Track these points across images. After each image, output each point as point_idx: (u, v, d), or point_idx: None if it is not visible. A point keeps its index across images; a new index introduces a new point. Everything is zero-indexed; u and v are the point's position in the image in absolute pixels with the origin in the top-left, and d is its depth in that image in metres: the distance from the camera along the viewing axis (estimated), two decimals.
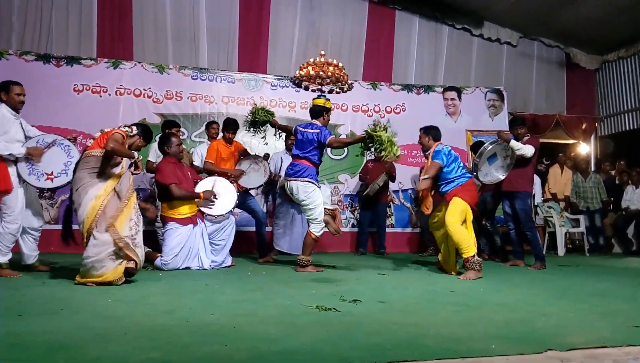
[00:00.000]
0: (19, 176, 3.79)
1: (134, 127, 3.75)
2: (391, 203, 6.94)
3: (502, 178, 4.77)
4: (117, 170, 3.57)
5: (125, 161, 3.64)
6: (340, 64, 5.19)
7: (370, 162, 6.46)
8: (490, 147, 4.62)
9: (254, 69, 7.00)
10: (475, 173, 4.70)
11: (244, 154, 5.31)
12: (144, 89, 6.28)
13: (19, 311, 2.43)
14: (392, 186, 6.67)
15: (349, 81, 5.36)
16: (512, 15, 7.68)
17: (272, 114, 4.96)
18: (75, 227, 3.63)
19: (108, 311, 2.53)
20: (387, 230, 6.68)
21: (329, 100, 4.71)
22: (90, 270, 3.36)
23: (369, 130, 4.13)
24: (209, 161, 5.04)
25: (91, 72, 6.18)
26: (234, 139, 5.28)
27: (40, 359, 1.70)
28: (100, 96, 6.16)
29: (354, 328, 2.18)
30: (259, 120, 4.89)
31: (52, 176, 3.91)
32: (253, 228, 5.53)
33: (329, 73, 5.04)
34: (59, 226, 5.74)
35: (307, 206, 4.34)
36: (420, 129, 4.64)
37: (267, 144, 5.85)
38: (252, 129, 5.03)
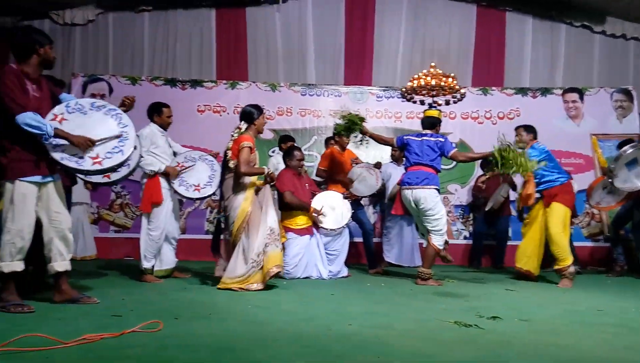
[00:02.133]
0: (170, 187, 4.20)
1: (242, 123, 3.87)
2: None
3: None
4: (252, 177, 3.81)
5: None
6: (452, 75, 5.07)
7: (481, 177, 6.16)
8: (631, 151, 4.20)
9: (360, 82, 7.07)
10: (610, 179, 4.37)
11: (356, 162, 5.35)
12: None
13: (174, 314, 2.64)
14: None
15: (461, 90, 5.21)
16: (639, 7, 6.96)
17: (363, 120, 4.73)
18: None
19: (250, 317, 2.66)
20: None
21: (441, 111, 4.62)
22: (233, 276, 3.60)
23: (496, 151, 3.97)
24: (321, 169, 5.17)
25: (212, 93, 6.67)
26: (347, 147, 5.29)
27: (209, 359, 1.83)
28: (220, 115, 6.61)
29: (504, 348, 2.07)
30: (349, 125, 4.69)
31: (200, 188, 4.30)
32: (360, 239, 5.56)
33: (441, 84, 4.95)
34: (186, 236, 6.35)
35: (433, 216, 4.21)
36: (520, 126, 4.64)
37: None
38: (342, 133, 4.88)
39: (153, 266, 4.17)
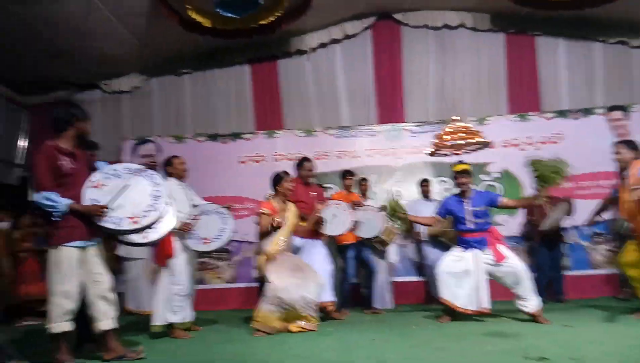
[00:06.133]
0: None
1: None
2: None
3: None
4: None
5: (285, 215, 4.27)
6: (471, 127, 5.16)
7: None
8: None
9: (393, 120, 7.12)
10: None
11: (357, 205, 5.31)
12: (296, 153, 6.78)
13: None
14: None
15: (486, 141, 5.21)
16: None
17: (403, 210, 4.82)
18: None
19: None
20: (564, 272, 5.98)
21: (468, 164, 4.60)
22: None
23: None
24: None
25: (251, 144, 6.93)
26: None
27: None
28: (260, 164, 6.84)
29: None
30: (392, 213, 4.84)
31: (208, 241, 4.27)
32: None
33: (465, 139, 5.00)
34: (236, 285, 6.51)
35: None
36: (620, 142, 4.32)
37: None
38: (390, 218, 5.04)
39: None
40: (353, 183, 5.71)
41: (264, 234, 4.26)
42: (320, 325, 4.14)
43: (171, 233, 4.02)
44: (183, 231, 4.13)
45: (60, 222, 2.93)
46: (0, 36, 5.81)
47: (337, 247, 5.32)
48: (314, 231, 4.66)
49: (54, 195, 2.91)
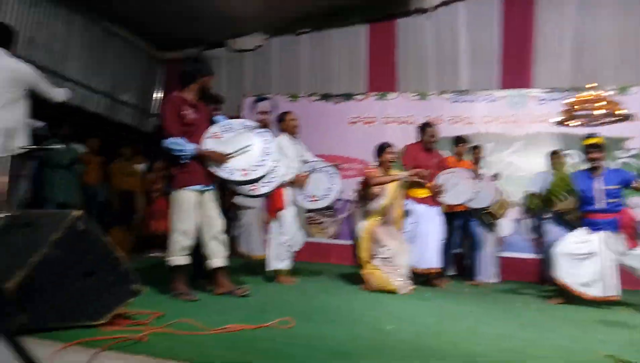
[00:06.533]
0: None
1: None
2: None
3: None
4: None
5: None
6: (610, 96, 4.50)
7: None
8: None
9: (518, 85, 6.55)
10: None
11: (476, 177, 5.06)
12: (407, 116, 6.63)
13: (308, 315, 2.84)
14: None
15: (626, 113, 4.54)
16: None
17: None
18: None
19: (379, 325, 2.70)
20: None
21: (601, 137, 4.08)
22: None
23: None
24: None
25: (362, 105, 6.92)
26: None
27: (323, 361, 1.94)
28: (370, 126, 6.81)
29: None
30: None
31: (316, 199, 4.42)
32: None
33: (601, 110, 4.40)
34: (338, 241, 6.69)
35: None
36: None
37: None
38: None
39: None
40: (465, 150, 5.44)
41: (367, 199, 4.29)
42: (420, 290, 4.12)
43: (282, 187, 4.22)
44: (295, 185, 4.29)
45: (182, 167, 3.21)
46: None
47: (444, 215, 5.17)
48: (433, 198, 4.59)
49: (181, 140, 3.18)
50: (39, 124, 3.57)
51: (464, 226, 5.36)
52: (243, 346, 2.04)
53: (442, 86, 6.89)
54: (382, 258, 4.08)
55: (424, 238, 4.52)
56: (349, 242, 6.53)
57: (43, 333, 1.93)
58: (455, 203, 4.79)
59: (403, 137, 6.54)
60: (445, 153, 6.12)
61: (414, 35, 7.14)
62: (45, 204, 5.26)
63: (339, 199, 5.33)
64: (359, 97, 6.99)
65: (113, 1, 6.68)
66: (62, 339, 1.89)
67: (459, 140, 5.48)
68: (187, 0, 6.53)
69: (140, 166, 6.68)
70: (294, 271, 4.43)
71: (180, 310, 2.66)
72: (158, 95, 8.53)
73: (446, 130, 6.47)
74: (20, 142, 3.23)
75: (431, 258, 4.48)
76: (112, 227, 5.93)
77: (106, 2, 6.70)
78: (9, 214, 2.93)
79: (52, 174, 5.41)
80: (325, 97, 7.15)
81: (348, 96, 7.04)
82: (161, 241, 6.22)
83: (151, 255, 6.19)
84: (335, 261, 6.46)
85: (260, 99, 7.39)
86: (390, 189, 4.32)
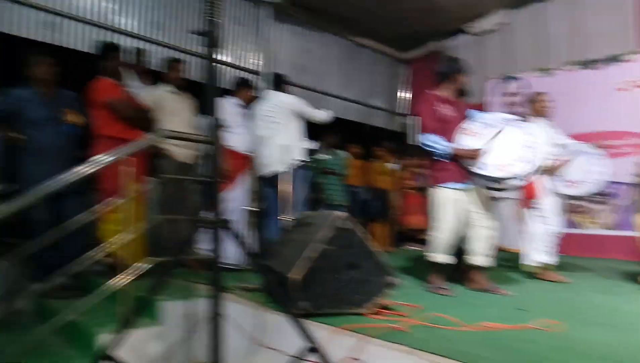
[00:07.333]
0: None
1: None
2: None
3: None
4: None
5: None
6: None
7: None
8: None
9: None
10: None
11: None
12: None
13: (575, 316, 2.57)
14: None
15: None
16: None
17: None
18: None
19: None
20: None
21: None
22: None
23: None
24: None
25: (632, 67, 5.75)
26: None
27: None
28: None
29: None
30: None
31: (575, 184, 3.96)
32: None
33: None
34: (615, 232, 5.71)
35: None
36: None
37: None
38: None
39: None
40: None
41: None
42: None
43: (537, 174, 3.97)
44: (551, 171, 3.96)
45: (439, 165, 3.29)
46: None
47: None
48: None
49: (439, 139, 3.25)
50: (314, 144, 4.61)
51: None
52: (501, 346, 1.99)
53: None
54: None
55: None
56: (630, 233, 5.56)
57: (319, 318, 2.31)
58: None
59: None
60: None
61: None
62: (323, 206, 6.14)
63: (613, 183, 4.58)
64: (627, 57, 5.82)
65: (360, 16, 7.33)
66: (333, 324, 2.22)
67: None
68: None
69: (393, 165, 7.12)
70: (558, 267, 4.03)
71: (436, 304, 2.77)
72: (402, 94, 8.97)
73: None
74: (296, 155, 4.04)
75: None
76: (373, 223, 6.52)
77: (353, 19, 7.41)
78: (294, 217, 3.62)
79: (325, 180, 6.29)
80: (584, 64, 6.20)
81: (613, 59, 5.93)
82: (416, 235, 6.58)
83: (408, 247, 6.56)
84: (613, 255, 5.57)
85: (508, 78, 6.94)
86: None
